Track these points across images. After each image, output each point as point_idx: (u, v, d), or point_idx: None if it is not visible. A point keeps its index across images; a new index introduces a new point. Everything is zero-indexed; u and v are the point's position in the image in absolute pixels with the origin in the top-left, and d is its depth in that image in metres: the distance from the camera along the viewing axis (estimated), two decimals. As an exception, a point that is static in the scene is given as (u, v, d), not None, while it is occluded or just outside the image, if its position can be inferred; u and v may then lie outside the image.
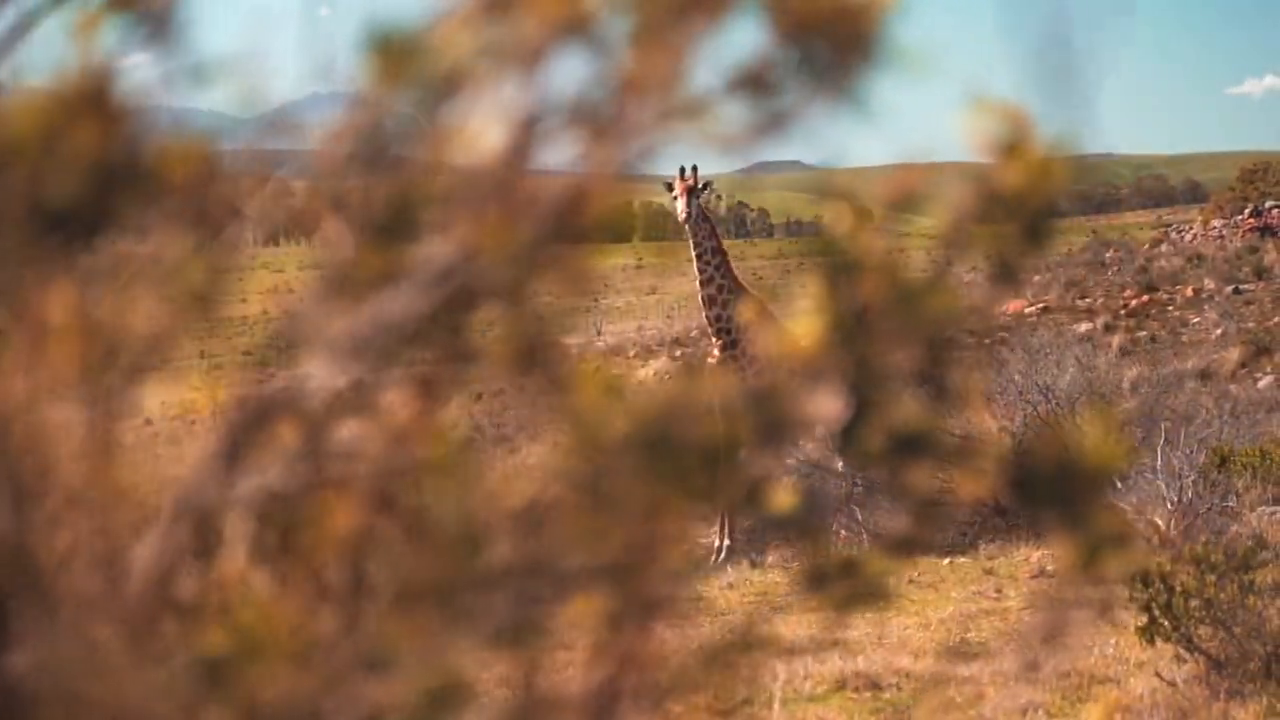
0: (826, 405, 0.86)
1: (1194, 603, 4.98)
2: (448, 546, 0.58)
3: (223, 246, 0.60)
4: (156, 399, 0.61)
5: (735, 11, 0.64)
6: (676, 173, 12.75)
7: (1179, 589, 5.08)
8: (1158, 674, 5.22)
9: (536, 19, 0.59)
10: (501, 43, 0.59)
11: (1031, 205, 0.89)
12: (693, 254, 12.83)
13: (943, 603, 8.06)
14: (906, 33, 0.71)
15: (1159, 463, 9.35)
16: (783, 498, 1.14)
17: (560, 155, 0.63)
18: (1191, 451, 9.52)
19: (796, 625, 7.44)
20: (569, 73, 0.61)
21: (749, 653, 0.89)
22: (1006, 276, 0.89)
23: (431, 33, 0.59)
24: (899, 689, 5.42)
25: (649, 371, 33.39)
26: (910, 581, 8.89)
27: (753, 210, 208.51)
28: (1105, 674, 5.55)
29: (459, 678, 0.57)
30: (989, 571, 9.24)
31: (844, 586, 1.08)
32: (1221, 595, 4.93)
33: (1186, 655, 5.11)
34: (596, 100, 0.62)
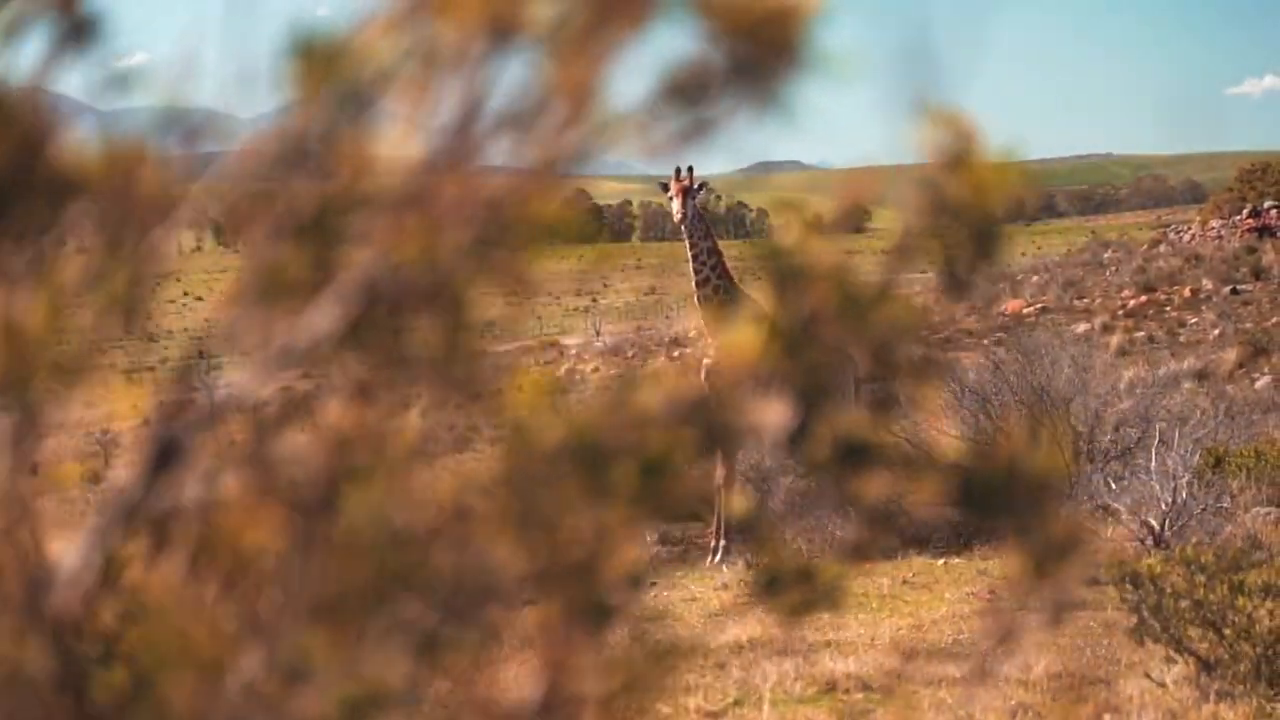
0: (772, 414, 0.86)
1: (1184, 604, 4.98)
2: (369, 555, 0.58)
3: (148, 251, 0.60)
4: (82, 407, 0.61)
5: (661, 17, 0.64)
6: (672, 173, 12.76)
7: (1169, 590, 5.08)
8: (1147, 675, 5.22)
9: (459, 24, 0.59)
10: (424, 48, 0.59)
11: (979, 215, 0.89)
12: (689, 254, 12.82)
13: (936, 603, 8.06)
14: (834, 37, 0.71)
15: (1153, 463, 9.34)
16: (738, 503, 1.14)
17: (485, 161, 0.63)
18: (1186, 452, 9.52)
19: (788, 625, 7.47)
20: (493, 78, 0.61)
21: (698, 658, 0.87)
22: (956, 285, 0.89)
23: (355, 38, 0.59)
24: (889, 691, 5.42)
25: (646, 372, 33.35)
26: (904, 582, 8.90)
27: (752, 210, 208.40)
28: (1096, 675, 5.55)
29: (380, 688, 0.57)
30: (983, 572, 9.23)
31: (798, 592, 1.08)
32: (1211, 597, 4.92)
33: (1176, 657, 5.11)
34: (520, 106, 0.62)
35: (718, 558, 12.54)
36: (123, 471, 0.58)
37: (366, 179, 0.59)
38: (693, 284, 12.97)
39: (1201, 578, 5.00)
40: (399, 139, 0.60)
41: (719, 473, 12.99)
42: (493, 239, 0.78)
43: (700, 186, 12.87)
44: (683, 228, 12.71)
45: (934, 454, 0.92)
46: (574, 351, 44.06)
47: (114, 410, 0.61)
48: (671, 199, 12.67)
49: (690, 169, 12.90)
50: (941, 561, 9.90)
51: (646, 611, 0.90)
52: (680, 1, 0.63)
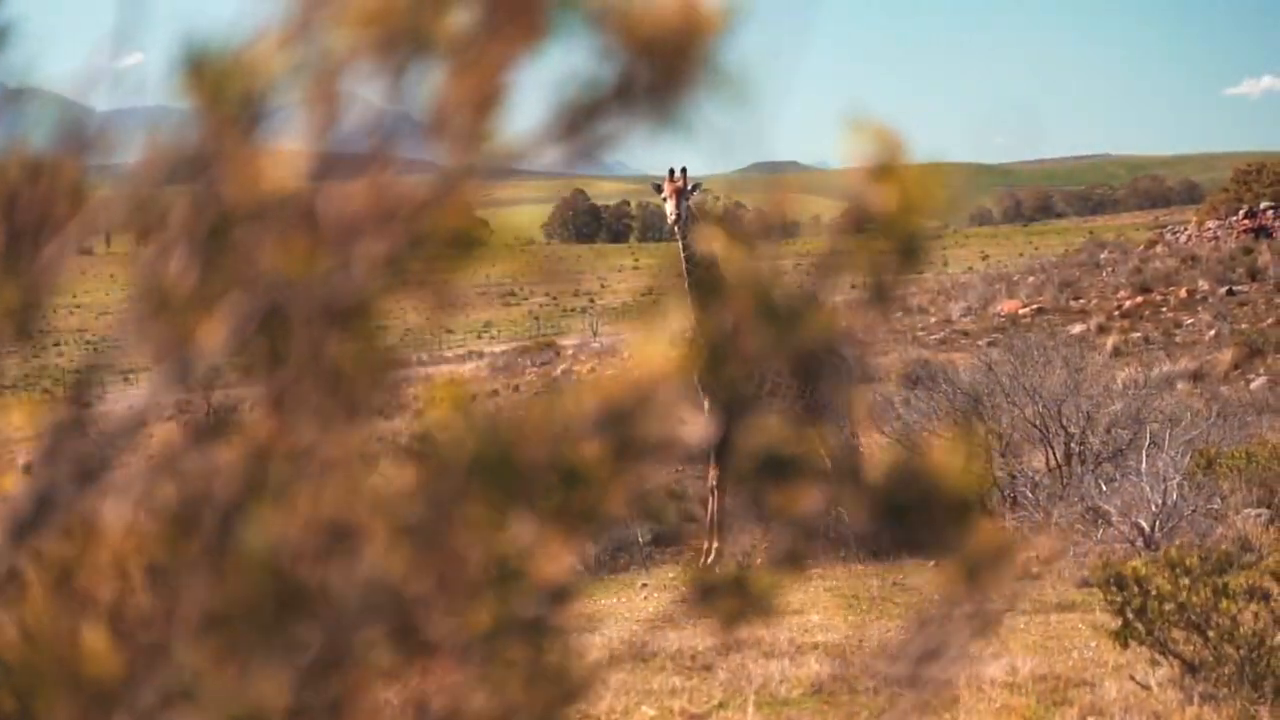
0: (695, 425, 0.86)
1: (1168, 607, 4.98)
2: (259, 572, 0.58)
3: (41, 263, 0.60)
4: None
5: (558, 32, 0.64)
6: (666, 175, 12.76)
7: (1154, 593, 5.08)
8: (1132, 677, 5.22)
9: (351, 39, 0.59)
10: (316, 62, 0.59)
11: (903, 225, 0.89)
12: (682, 256, 12.82)
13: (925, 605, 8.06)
14: (742, 53, 0.71)
15: (1143, 465, 9.35)
16: (665, 513, 1.13)
17: (381, 172, 0.63)
18: (1177, 454, 9.52)
19: (776, 628, 7.42)
20: (383, 93, 0.61)
21: (633, 667, 0.87)
22: (881, 297, 0.89)
23: (247, 50, 0.59)
24: (875, 693, 5.41)
25: (643, 372, 33.36)
26: (894, 584, 8.91)
27: (749, 211, 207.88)
28: (1082, 678, 5.56)
29: (266, 709, 0.57)
30: (974, 574, 9.25)
31: (732, 602, 1.08)
32: (1195, 599, 4.93)
33: (1161, 659, 5.11)
34: (409, 120, 0.62)
35: (711, 559, 12.56)
36: (15, 488, 0.58)
37: (261, 191, 0.59)
38: (686, 285, 12.98)
39: (1186, 580, 5.00)
40: (294, 150, 0.60)
41: (712, 474, 13.01)
42: (406, 251, 0.78)
43: (694, 187, 12.87)
44: (676, 229, 12.70)
45: (856, 465, 0.92)
46: (570, 352, 44.04)
47: (5, 424, 0.61)
48: (665, 200, 12.67)
49: (684, 170, 12.91)
50: (933, 563, 9.91)
51: (569, 625, 0.90)
52: (579, 17, 0.63)
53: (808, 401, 12.14)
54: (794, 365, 0.87)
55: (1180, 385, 22.90)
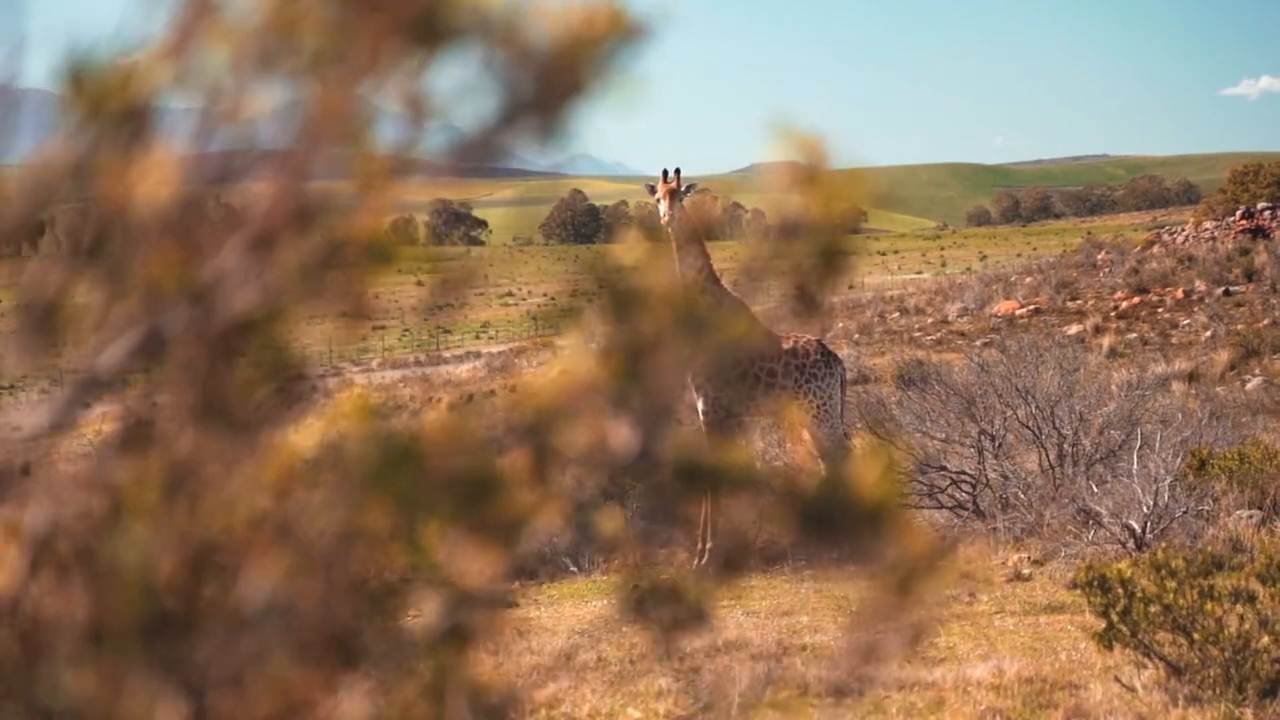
0: (613, 436, 0.86)
1: (1153, 609, 4.98)
2: (135, 591, 0.57)
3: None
4: None
5: (448, 45, 0.64)
6: (660, 175, 12.75)
7: (1139, 595, 5.07)
8: (1117, 679, 5.22)
9: (229, 53, 0.58)
10: (196, 75, 0.59)
11: (828, 232, 0.89)
12: (676, 257, 12.83)
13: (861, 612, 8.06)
14: (640, 64, 0.71)
15: (1134, 466, 9.35)
16: (608, 521, 1.14)
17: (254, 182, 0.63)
18: (1168, 455, 9.52)
19: (765, 630, 7.40)
20: (264, 104, 0.61)
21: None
22: (806, 303, 0.89)
23: (128, 63, 0.59)
24: (860, 695, 5.41)
25: (639, 372, 33.40)
26: (885, 585, 8.92)
27: (748, 211, 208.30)
28: (1069, 680, 5.55)
29: (144, 723, 0.56)
30: (965, 575, 9.23)
31: (667, 611, 1.07)
32: (1180, 601, 4.92)
33: (1146, 661, 5.11)
34: (287, 133, 0.62)
35: (703, 560, 12.57)
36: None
37: (139, 203, 0.58)
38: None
39: (1171, 583, 5.00)
40: (166, 165, 0.60)
41: (706, 474, 13.04)
42: (318, 260, 0.78)
43: (688, 189, 12.85)
44: (669, 231, 12.69)
45: (776, 477, 0.91)
46: (567, 353, 44.01)
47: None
48: (659, 201, 12.66)
49: (678, 171, 12.89)
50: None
51: (490, 634, 0.89)
52: (467, 31, 0.63)
53: (733, 408, 12.12)
54: (716, 373, 0.87)
55: (1176, 386, 22.91)
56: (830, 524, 0.87)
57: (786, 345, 13.26)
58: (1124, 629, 5.03)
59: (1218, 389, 22.74)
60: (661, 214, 12.71)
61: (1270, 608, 5.11)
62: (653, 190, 12.94)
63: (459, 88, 0.63)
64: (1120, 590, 5.10)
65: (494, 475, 0.80)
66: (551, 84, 0.65)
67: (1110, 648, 5.12)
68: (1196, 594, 4.95)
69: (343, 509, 0.72)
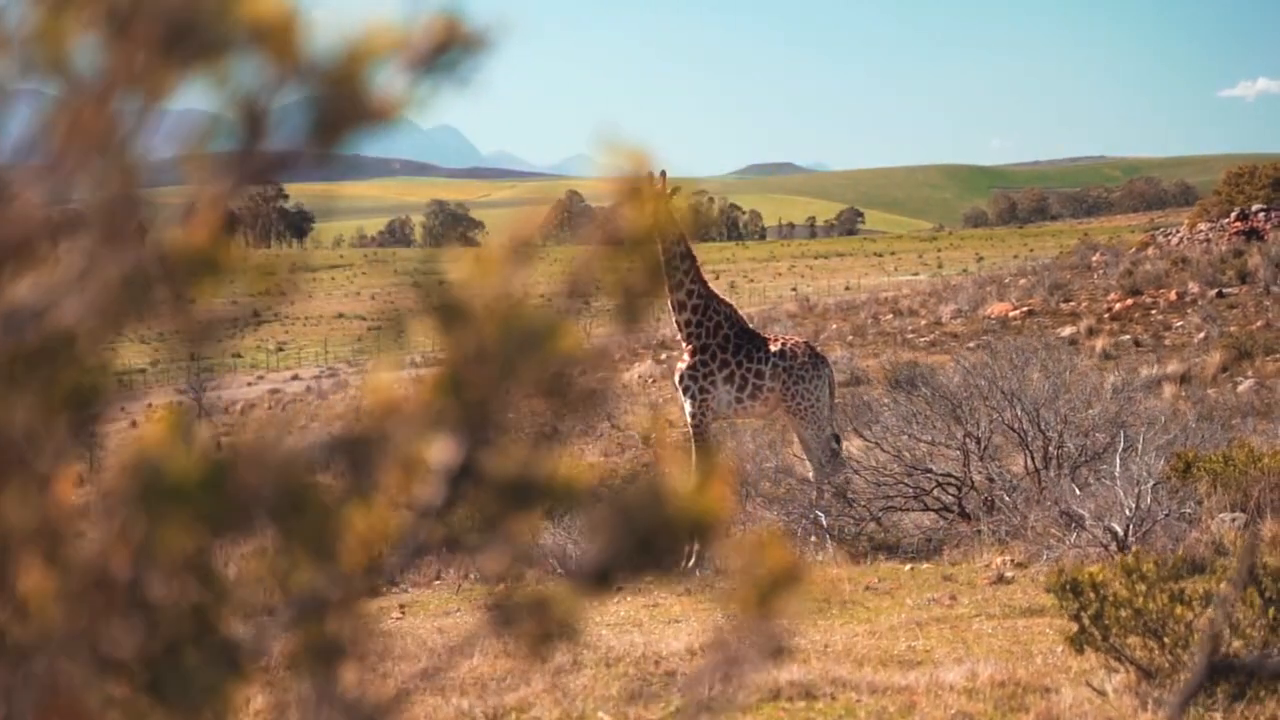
0: (436, 451, 0.84)
1: (1124, 612, 4.96)
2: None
3: None
4: None
5: (228, 60, 0.63)
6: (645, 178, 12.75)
7: (1111, 599, 5.06)
8: (1088, 683, 5.21)
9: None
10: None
11: (652, 245, 0.88)
12: (661, 259, 12.81)
13: (896, 609, 8.04)
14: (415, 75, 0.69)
15: (1117, 469, 9.34)
16: (521, 532, 1.11)
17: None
18: (1151, 458, 9.51)
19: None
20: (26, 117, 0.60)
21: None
22: (630, 316, 0.88)
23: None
24: (833, 698, 5.39)
25: (633, 375, 33.35)
26: (867, 588, 8.89)
27: (744, 212, 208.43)
28: (1042, 683, 5.53)
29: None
30: (948, 578, 9.22)
31: (534, 624, 1.06)
32: (1151, 605, 4.91)
33: (1116, 665, 5.10)
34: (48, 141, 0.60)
35: (692, 562, 12.55)
36: None
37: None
38: (666, 288, 12.98)
39: (1142, 586, 4.99)
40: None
41: (693, 477, 13.03)
42: (144, 274, 0.76)
43: (674, 191, 12.85)
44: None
45: (605, 490, 0.90)
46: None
47: None
48: (644, 203, 12.67)
49: (664, 174, 12.89)
50: (909, 567, 9.88)
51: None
52: (236, 44, 0.62)
53: (553, 426, 12.18)
54: (542, 387, 0.86)
55: (1167, 388, 22.91)
56: (651, 539, 0.86)
57: (774, 347, 13.25)
58: (1095, 633, 5.02)
59: (1209, 391, 22.74)
60: (648, 216, 12.75)
61: (1242, 612, 5.10)
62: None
63: (233, 100, 0.62)
64: (1092, 594, 5.09)
65: (309, 491, 0.79)
66: (329, 100, 0.64)
67: (1081, 651, 5.11)
68: (1167, 598, 4.94)
69: (140, 529, 0.71)
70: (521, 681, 5.80)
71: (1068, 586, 5.02)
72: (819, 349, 14.32)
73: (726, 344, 12.94)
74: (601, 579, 0.99)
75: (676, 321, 13.08)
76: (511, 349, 0.85)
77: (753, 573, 0.97)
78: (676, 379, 13.30)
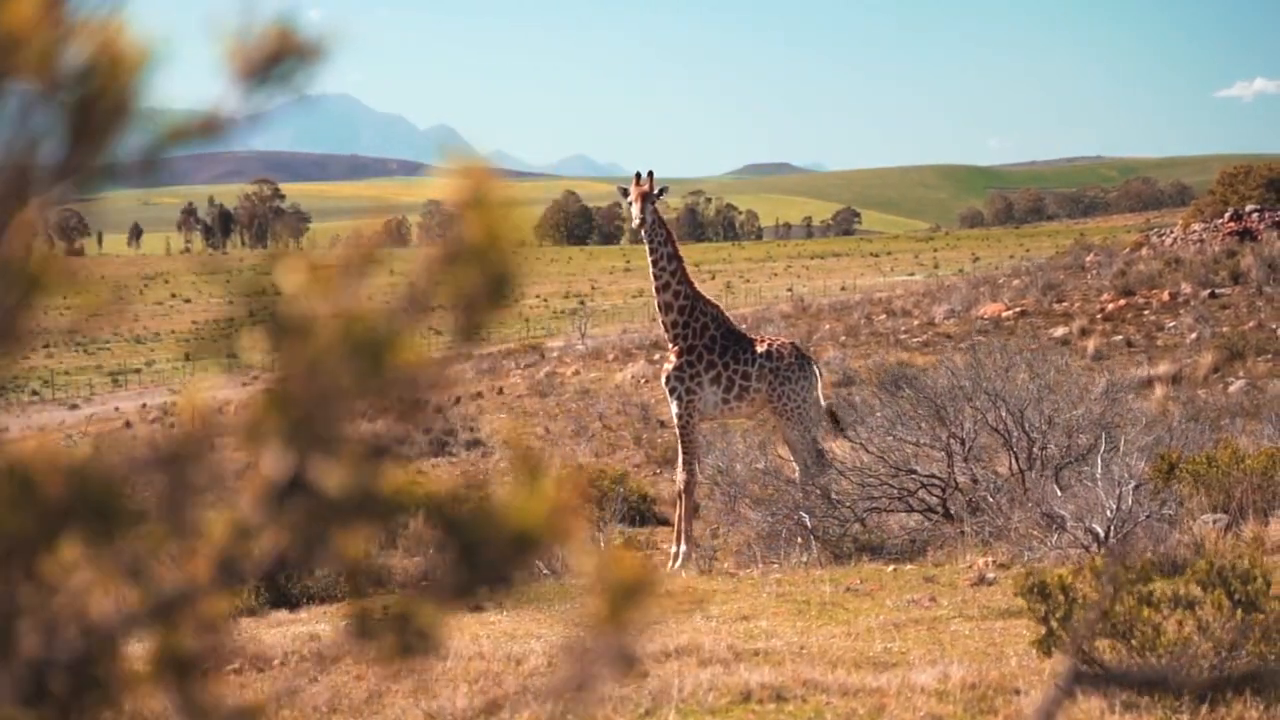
0: (262, 465, 0.84)
1: (1092, 614, 4.97)
2: None
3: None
4: None
5: None
6: (633, 178, 12.73)
7: (1080, 601, 5.07)
8: (1057, 685, 5.20)
9: None
10: None
11: (492, 258, 0.88)
12: (649, 259, 12.79)
13: (876, 610, 8.04)
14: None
15: (1098, 470, 9.34)
16: (352, 547, 1.12)
17: None
18: (1133, 459, 9.52)
19: (720, 635, 7.38)
20: None
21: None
22: (469, 330, 0.88)
23: None
24: (803, 700, 5.39)
25: (626, 375, 33.36)
26: (848, 589, 8.89)
27: (741, 213, 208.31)
28: (1013, 685, 5.53)
29: None
30: (929, 579, 9.22)
31: (393, 639, 1.06)
32: (1118, 608, 4.92)
33: (1084, 667, 5.10)
34: None
35: (677, 563, 12.54)
36: None
37: None
38: (653, 289, 12.96)
39: (1110, 588, 4.99)
40: None
41: (680, 478, 13.01)
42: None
43: (661, 191, 12.84)
44: (643, 233, 12.67)
45: (438, 503, 0.90)
46: (555, 354, 43.98)
47: None
48: (631, 204, 12.63)
49: (650, 174, 12.87)
50: (891, 568, 9.89)
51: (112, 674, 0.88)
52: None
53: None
54: (377, 401, 0.86)
55: (1158, 388, 22.92)
56: (476, 552, 0.86)
57: (761, 348, 13.25)
58: (1064, 635, 5.02)
59: (1200, 392, 22.75)
60: (634, 217, 12.70)
61: (1211, 614, 5.11)
62: (626, 193, 12.92)
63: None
64: (1061, 596, 5.09)
65: (120, 506, 0.79)
66: (93, 107, 0.64)
67: (1050, 654, 5.12)
68: (1135, 600, 4.94)
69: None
70: (494, 683, 5.80)
71: (1036, 589, 5.03)
72: (805, 350, 14.31)
73: (713, 345, 12.94)
74: (460, 592, 0.99)
75: (663, 322, 13.08)
76: (344, 362, 0.85)
77: (603, 584, 0.97)
78: (663, 380, 13.29)
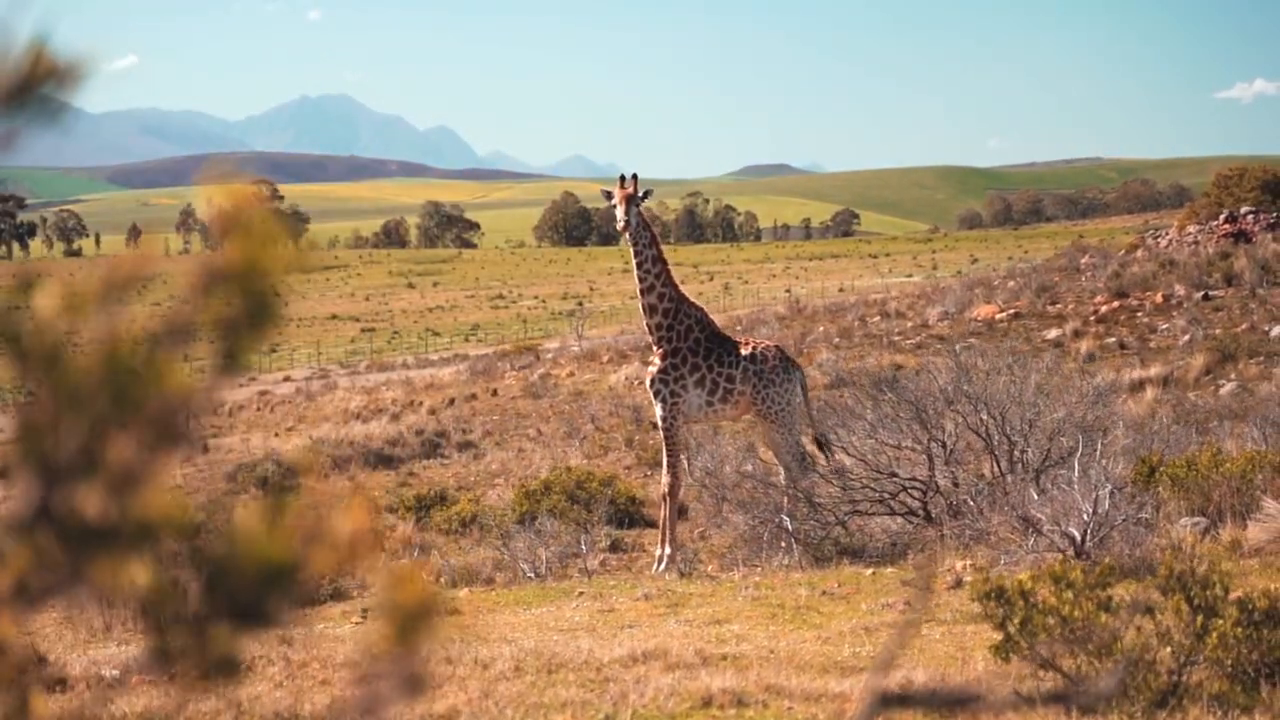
0: (13, 493, 0.84)
1: (1050, 620, 4.97)
2: None
3: None
4: None
5: None
6: (617, 181, 12.72)
7: (1039, 606, 5.07)
8: (1015, 692, 5.20)
9: None
10: None
11: (254, 284, 0.88)
12: (633, 262, 12.78)
13: (850, 614, 8.04)
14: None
15: (1075, 474, 9.34)
16: (136, 574, 1.11)
17: None
18: (1109, 462, 9.51)
19: (690, 639, 7.36)
20: None
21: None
22: (230, 358, 0.88)
23: None
24: (764, 705, 5.39)
25: (619, 377, 33.32)
26: (824, 593, 8.88)
27: (740, 214, 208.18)
28: (976, 691, 5.53)
29: None
30: (907, 583, 9.22)
31: (193, 663, 1.06)
32: (1076, 613, 4.91)
33: (1041, 673, 5.10)
34: None
35: (662, 566, 12.53)
36: None
37: None
38: (638, 291, 12.95)
39: (1069, 594, 4.99)
40: None
41: (664, 481, 12.99)
42: None
43: (645, 194, 12.83)
44: (626, 235, 12.66)
45: (187, 535, 0.89)
46: (550, 356, 43.94)
47: None
48: (615, 206, 12.62)
49: (634, 176, 12.87)
50: (870, 571, 9.88)
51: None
52: None
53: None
54: (131, 429, 0.86)
55: (1149, 391, 22.89)
56: (218, 582, 0.86)
57: (745, 351, 13.24)
58: (1022, 641, 5.02)
59: (1190, 394, 22.73)
60: (618, 219, 12.69)
61: (1171, 620, 5.10)
62: (609, 196, 12.91)
63: None
64: (1021, 602, 5.09)
65: None
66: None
67: (1008, 660, 5.11)
68: (1093, 605, 4.94)
69: None
70: (458, 688, 5.79)
71: (994, 594, 5.02)
72: (789, 353, 14.31)
73: (697, 347, 12.93)
74: (256, 617, 0.99)
75: (648, 325, 13.08)
76: (99, 390, 0.85)
77: (389, 608, 0.97)
78: (648, 383, 13.29)
